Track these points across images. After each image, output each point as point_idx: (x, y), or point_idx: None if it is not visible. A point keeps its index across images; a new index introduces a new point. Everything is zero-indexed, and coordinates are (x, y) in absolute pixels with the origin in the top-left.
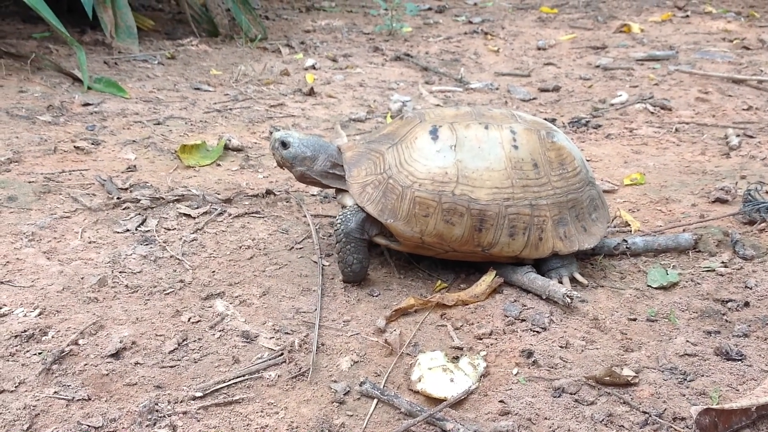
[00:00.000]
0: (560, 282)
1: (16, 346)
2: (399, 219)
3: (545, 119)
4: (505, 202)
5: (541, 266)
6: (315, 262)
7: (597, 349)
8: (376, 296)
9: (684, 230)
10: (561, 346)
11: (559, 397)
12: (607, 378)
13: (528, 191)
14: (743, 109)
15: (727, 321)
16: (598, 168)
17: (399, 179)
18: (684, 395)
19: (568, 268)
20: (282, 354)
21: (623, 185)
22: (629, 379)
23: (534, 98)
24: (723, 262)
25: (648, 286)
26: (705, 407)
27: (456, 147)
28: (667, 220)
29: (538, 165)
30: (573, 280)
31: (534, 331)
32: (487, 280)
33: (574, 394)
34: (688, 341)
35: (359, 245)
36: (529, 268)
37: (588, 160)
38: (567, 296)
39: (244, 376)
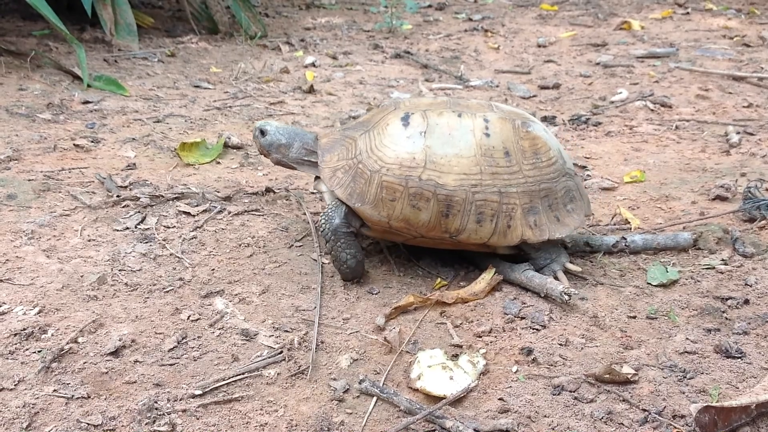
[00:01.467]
0: (556, 278)
1: (16, 344)
2: (367, 203)
3: (545, 117)
4: (473, 189)
5: (534, 263)
6: (314, 260)
7: (597, 346)
8: (376, 294)
9: (684, 228)
10: (560, 344)
11: (558, 394)
12: (607, 376)
13: (497, 179)
14: (743, 107)
15: (726, 318)
16: (598, 165)
17: (368, 164)
18: (684, 393)
19: (558, 261)
20: (281, 352)
21: (623, 183)
22: (629, 376)
23: (534, 95)
24: (723, 260)
25: (648, 283)
26: (705, 405)
27: (426, 133)
28: (667, 218)
29: (509, 153)
30: (566, 271)
31: (533, 329)
32: (486, 277)
33: (574, 391)
34: (687, 339)
35: (348, 240)
36: (527, 265)
37: (588, 158)
38: (565, 293)
39: (243, 374)
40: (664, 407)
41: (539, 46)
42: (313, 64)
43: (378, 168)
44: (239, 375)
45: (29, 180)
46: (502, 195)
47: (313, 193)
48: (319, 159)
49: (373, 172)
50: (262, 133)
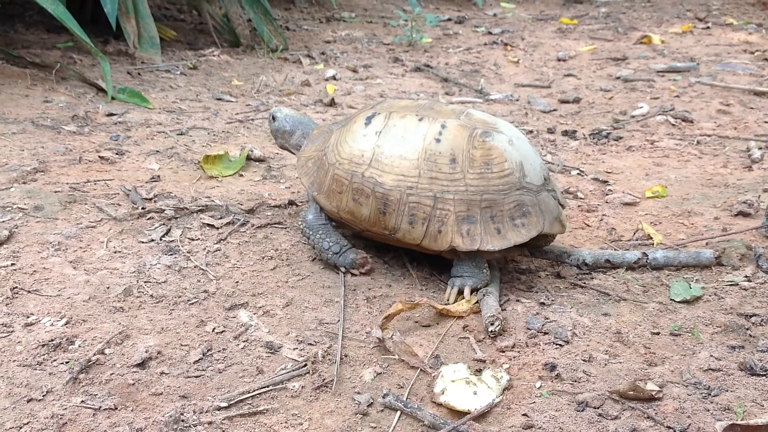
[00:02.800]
0: (450, 291)
1: (44, 355)
2: (322, 193)
3: (565, 131)
4: (408, 190)
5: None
6: (337, 273)
7: (620, 363)
8: None
9: (707, 244)
10: (584, 360)
11: (582, 411)
12: (631, 392)
13: (435, 183)
14: (765, 122)
15: (751, 336)
16: (619, 180)
17: (329, 157)
18: (708, 410)
19: (466, 280)
20: (305, 365)
21: (645, 198)
22: (653, 393)
23: (554, 110)
24: (746, 276)
25: (671, 299)
26: (730, 423)
27: (381, 133)
28: (690, 234)
29: (456, 161)
30: (460, 292)
31: (557, 345)
32: (471, 301)
33: (598, 408)
34: (712, 356)
35: (326, 229)
36: (492, 288)
37: (609, 173)
38: (489, 322)
39: (268, 386)
40: (689, 425)
41: (559, 60)
42: (333, 77)
43: (334, 161)
44: (264, 387)
45: (56, 192)
46: (437, 200)
47: None
48: (302, 148)
49: (330, 165)
50: (273, 118)
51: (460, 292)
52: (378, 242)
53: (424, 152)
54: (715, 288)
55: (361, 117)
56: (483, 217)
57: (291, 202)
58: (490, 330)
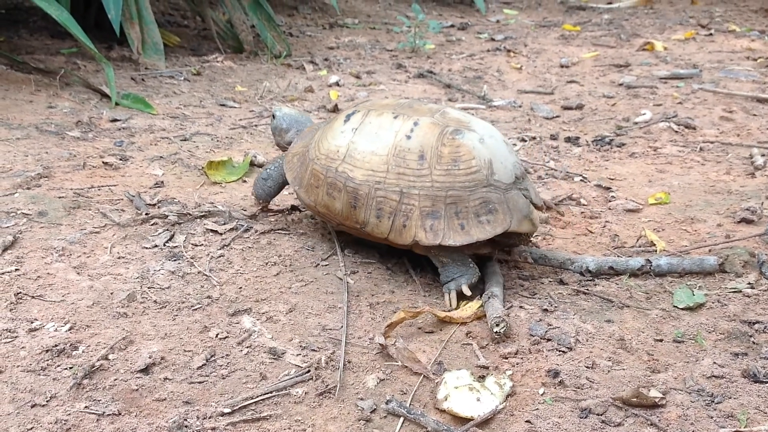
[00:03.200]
0: (449, 297)
1: (48, 360)
2: (302, 187)
3: (568, 137)
4: (376, 185)
5: (441, 276)
6: (340, 279)
7: (623, 369)
8: None
9: (710, 251)
10: (587, 367)
11: (586, 417)
12: (634, 399)
13: (402, 179)
14: None
15: (754, 343)
16: (622, 187)
17: (310, 153)
18: (712, 417)
19: (459, 281)
20: (309, 371)
21: (648, 204)
22: (656, 400)
23: (557, 116)
24: (749, 283)
25: (674, 306)
26: (733, 430)
27: (357, 130)
28: (693, 240)
29: (424, 157)
30: (461, 294)
31: (560, 351)
32: (473, 306)
33: (601, 414)
34: (715, 363)
35: (275, 173)
36: (496, 290)
37: (612, 179)
38: (494, 322)
39: (271, 392)
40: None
41: (562, 66)
42: (337, 83)
43: (313, 157)
44: (267, 393)
45: (60, 197)
46: (403, 195)
47: None
48: (291, 145)
49: (310, 161)
50: (273, 116)
51: (459, 295)
52: (384, 248)
53: (394, 148)
54: (719, 295)
55: (343, 115)
56: (447, 212)
57: (294, 208)
58: (495, 331)
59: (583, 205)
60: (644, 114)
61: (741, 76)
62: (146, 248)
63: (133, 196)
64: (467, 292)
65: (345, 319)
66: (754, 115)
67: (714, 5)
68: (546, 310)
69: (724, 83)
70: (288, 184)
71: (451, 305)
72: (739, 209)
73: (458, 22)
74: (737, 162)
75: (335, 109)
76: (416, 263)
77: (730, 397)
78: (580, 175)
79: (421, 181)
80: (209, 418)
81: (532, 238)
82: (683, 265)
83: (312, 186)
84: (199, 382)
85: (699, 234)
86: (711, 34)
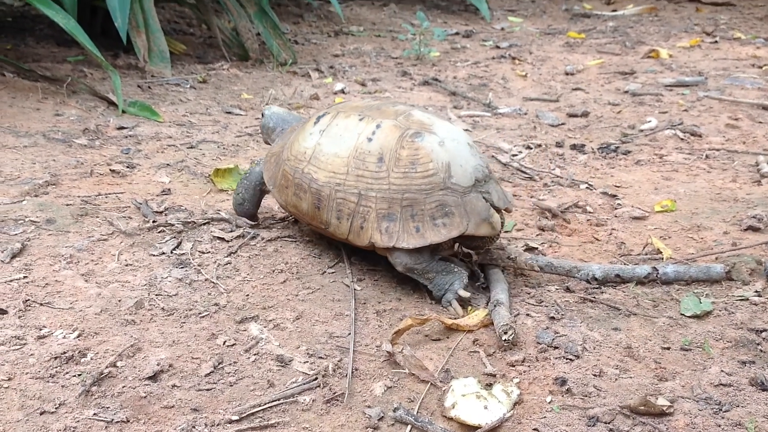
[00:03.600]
0: (454, 308)
1: (56, 367)
2: (275, 187)
3: (574, 145)
4: (336, 187)
5: (432, 289)
6: (347, 286)
7: (631, 377)
8: None
9: (716, 258)
10: (595, 375)
11: (593, 426)
12: (642, 407)
13: (360, 181)
14: None
15: (761, 351)
16: (628, 194)
17: (284, 154)
18: (720, 426)
19: (452, 289)
20: (316, 378)
21: (654, 212)
22: (664, 408)
23: (562, 123)
24: (756, 291)
25: (681, 314)
26: None
27: (324, 132)
28: (699, 248)
29: (383, 160)
30: (461, 300)
31: (567, 359)
32: (480, 315)
33: (609, 423)
34: (722, 371)
35: (250, 188)
36: (502, 298)
37: (618, 187)
38: (502, 330)
39: (279, 400)
40: None
41: (567, 73)
42: (342, 91)
43: (285, 158)
44: (275, 401)
45: (67, 205)
46: (361, 197)
47: None
48: (272, 144)
49: (283, 161)
50: (262, 115)
51: (461, 301)
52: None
53: (355, 150)
54: (725, 303)
55: (314, 117)
56: (403, 215)
57: None
58: (503, 338)
59: (589, 212)
60: (650, 121)
61: (746, 84)
62: (153, 256)
63: (140, 204)
64: (465, 294)
65: (352, 327)
66: (760, 122)
67: (719, 12)
68: (553, 317)
69: (729, 91)
70: (265, 192)
71: (458, 314)
72: (745, 217)
73: (463, 29)
74: (743, 170)
75: None
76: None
77: (738, 406)
78: (586, 183)
79: (379, 183)
80: (217, 425)
81: (500, 240)
82: (690, 273)
83: (282, 186)
84: (207, 390)
85: (705, 242)
86: (716, 42)
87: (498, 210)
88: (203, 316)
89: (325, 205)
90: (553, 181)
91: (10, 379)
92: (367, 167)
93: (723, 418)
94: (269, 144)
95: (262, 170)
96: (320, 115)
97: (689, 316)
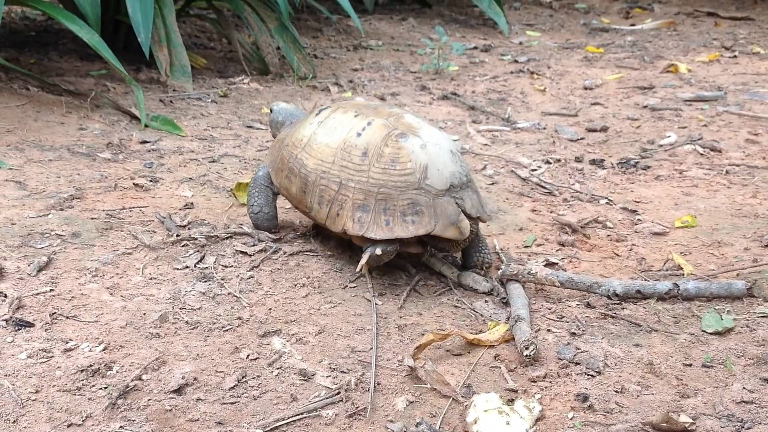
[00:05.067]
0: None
1: (83, 380)
2: (273, 170)
3: (593, 160)
4: (322, 174)
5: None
6: (369, 300)
7: (653, 394)
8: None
9: (738, 275)
10: (616, 391)
11: None
12: (664, 424)
13: (343, 172)
14: None
15: None
16: (648, 210)
17: (285, 140)
18: None
19: (377, 246)
20: (339, 393)
21: (674, 228)
22: (686, 426)
23: (582, 138)
24: None
25: (702, 331)
26: None
27: (321, 123)
28: (720, 264)
29: (367, 154)
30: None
31: (588, 375)
32: (501, 330)
33: None
34: (744, 388)
35: (261, 191)
36: (523, 313)
37: (638, 202)
38: (524, 346)
39: (302, 414)
40: None
41: (585, 88)
42: None
43: (285, 144)
44: (298, 415)
45: (92, 218)
46: (341, 186)
47: None
48: (280, 133)
49: (283, 147)
50: (271, 111)
51: (374, 259)
52: (412, 271)
53: (344, 143)
54: (747, 320)
55: (317, 109)
56: (377, 207)
57: (316, 228)
58: (525, 354)
59: (609, 228)
60: (669, 136)
61: (766, 99)
62: (177, 269)
63: (164, 218)
64: (376, 252)
65: (374, 341)
66: None
67: (738, 27)
68: (574, 333)
69: (749, 106)
70: (277, 194)
71: (360, 268)
72: (766, 233)
73: (481, 44)
74: (764, 185)
75: None
76: (444, 285)
77: (761, 423)
78: (606, 198)
79: (359, 175)
80: None
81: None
82: (711, 289)
83: (279, 170)
84: (231, 403)
85: (726, 258)
86: (735, 56)
87: (469, 217)
88: (227, 330)
89: (310, 190)
90: (572, 196)
91: (37, 392)
92: (351, 159)
93: None
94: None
95: (266, 172)
96: (322, 108)
97: (711, 333)
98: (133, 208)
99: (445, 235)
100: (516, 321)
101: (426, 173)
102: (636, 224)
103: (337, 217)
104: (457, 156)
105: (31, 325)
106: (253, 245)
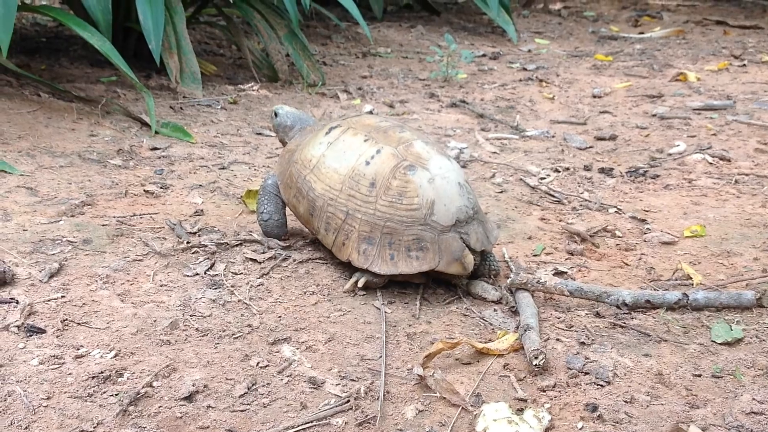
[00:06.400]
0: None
1: (94, 387)
2: (282, 183)
3: (602, 168)
4: (329, 201)
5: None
6: (378, 308)
7: (662, 404)
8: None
9: (747, 285)
10: (626, 401)
11: None
12: None
13: (351, 201)
14: None
15: None
16: (657, 219)
17: (295, 155)
18: None
19: (363, 275)
20: (348, 401)
21: (683, 237)
22: None
23: (590, 147)
24: None
25: (712, 341)
26: None
27: (331, 145)
28: (729, 274)
29: (375, 185)
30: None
31: (598, 385)
32: (510, 339)
33: None
34: (754, 399)
35: (271, 198)
36: (532, 322)
37: (647, 211)
38: (533, 355)
39: (312, 422)
40: None
41: (594, 96)
42: (370, 113)
43: (295, 160)
44: (308, 423)
45: (103, 225)
46: (348, 216)
47: None
48: (290, 141)
49: (293, 162)
50: (276, 114)
51: (356, 284)
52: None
53: (352, 171)
54: (756, 330)
55: (327, 126)
56: (382, 241)
57: None
58: (534, 363)
59: (618, 237)
60: (678, 145)
61: None
62: (188, 276)
63: (174, 225)
64: (360, 283)
65: (383, 350)
66: None
67: (747, 36)
68: (583, 343)
69: (758, 115)
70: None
71: (347, 288)
72: None
73: (490, 51)
74: None
75: None
76: (453, 293)
77: None
78: (615, 207)
79: (366, 206)
80: None
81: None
82: (720, 300)
83: (287, 185)
84: (241, 411)
85: (735, 268)
86: (744, 65)
87: (473, 251)
88: (237, 337)
89: (317, 215)
90: (581, 205)
91: (49, 398)
92: (359, 189)
93: None
94: (285, 143)
95: (275, 180)
96: (333, 126)
97: (720, 343)
98: (144, 214)
99: (449, 271)
100: (525, 330)
101: (432, 209)
102: (645, 233)
103: (343, 246)
104: (464, 188)
105: (42, 331)
106: (263, 252)
